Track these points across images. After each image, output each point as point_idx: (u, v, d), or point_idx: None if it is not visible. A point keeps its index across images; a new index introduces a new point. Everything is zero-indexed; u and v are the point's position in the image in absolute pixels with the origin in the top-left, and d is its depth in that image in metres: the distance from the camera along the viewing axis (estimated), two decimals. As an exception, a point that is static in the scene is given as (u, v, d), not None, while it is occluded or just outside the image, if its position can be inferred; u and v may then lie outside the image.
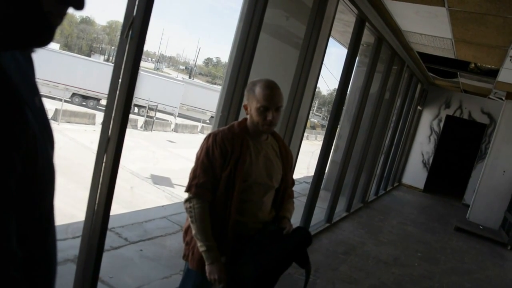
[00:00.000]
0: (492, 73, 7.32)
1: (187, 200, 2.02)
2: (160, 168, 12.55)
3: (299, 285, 3.99)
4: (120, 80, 2.30)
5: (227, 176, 1.98)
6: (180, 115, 30.15)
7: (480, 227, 8.46)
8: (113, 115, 2.35)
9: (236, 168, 1.98)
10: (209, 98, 30.81)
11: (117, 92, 2.31)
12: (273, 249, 1.91)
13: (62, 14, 0.64)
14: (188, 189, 2.01)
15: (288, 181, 2.22)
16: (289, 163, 2.21)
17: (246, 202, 2.04)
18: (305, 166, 12.88)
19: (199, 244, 1.96)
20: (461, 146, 14.81)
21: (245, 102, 2.07)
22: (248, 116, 2.07)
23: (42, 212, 0.71)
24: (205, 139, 2.06)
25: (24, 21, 0.60)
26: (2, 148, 0.56)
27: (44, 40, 0.64)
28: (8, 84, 0.59)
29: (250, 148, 2.04)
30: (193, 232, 1.99)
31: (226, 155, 1.98)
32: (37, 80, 0.76)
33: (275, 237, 1.92)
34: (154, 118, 23.71)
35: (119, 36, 2.32)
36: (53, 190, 0.74)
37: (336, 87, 5.40)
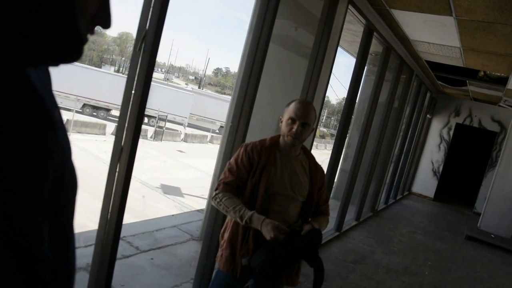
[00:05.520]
0: (502, 81, 7.30)
1: (214, 197, 2.15)
2: (170, 178, 12.60)
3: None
4: (133, 92, 2.35)
5: (252, 185, 2.13)
6: (190, 125, 30.27)
7: (492, 235, 8.38)
8: (126, 125, 2.40)
9: (261, 177, 2.13)
10: (218, 108, 30.92)
11: (130, 104, 2.37)
12: (284, 246, 2.00)
13: (91, 32, 0.69)
14: (216, 187, 2.16)
15: (314, 198, 2.29)
16: (318, 181, 2.30)
17: (268, 211, 2.13)
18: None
19: (243, 222, 2.03)
20: (471, 154, 14.73)
21: (280, 116, 2.24)
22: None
23: (64, 221, 0.75)
24: (239, 147, 2.25)
25: (62, 39, 0.64)
26: (39, 159, 0.59)
27: (75, 56, 0.68)
28: (40, 100, 0.63)
29: (277, 160, 2.19)
30: (233, 217, 2.09)
31: (253, 164, 2.14)
32: (54, 92, 0.80)
33: (290, 236, 2.01)
34: (164, 128, 23.86)
35: (129, 48, 2.40)
36: (74, 200, 0.78)
37: (345, 96, 5.43)
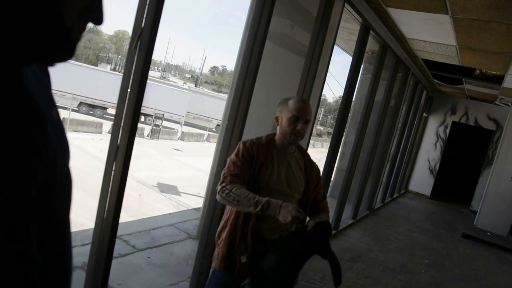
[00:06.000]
0: (498, 79, 7.32)
1: (221, 189, 2.07)
2: (166, 176, 12.59)
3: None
4: (129, 90, 2.35)
5: (251, 182, 2.13)
6: (186, 124, 30.21)
7: (488, 233, 8.42)
8: (122, 124, 2.39)
9: (259, 175, 2.13)
10: (215, 106, 30.91)
11: (126, 102, 2.37)
12: (294, 243, 2.01)
13: (83, 29, 0.67)
14: (222, 180, 2.10)
15: (311, 195, 2.29)
16: (313, 178, 2.31)
17: None
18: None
19: (258, 208, 1.96)
20: (467, 153, 14.77)
21: (277, 114, 2.22)
22: (278, 128, 2.23)
23: (59, 220, 0.75)
24: (237, 145, 2.23)
25: (47, 36, 0.63)
26: (25, 159, 0.59)
27: (65, 55, 0.67)
28: (30, 99, 0.62)
29: (273, 158, 2.20)
30: (244, 205, 2.00)
31: (252, 159, 2.14)
32: (53, 92, 0.80)
33: (297, 233, 2.01)
34: (161, 127, 23.79)
35: (125, 46, 2.38)
36: (70, 199, 0.77)
37: (342, 94, 5.43)
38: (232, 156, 2.18)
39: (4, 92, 0.58)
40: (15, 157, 0.57)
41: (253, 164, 2.14)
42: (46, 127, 0.64)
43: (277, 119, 2.22)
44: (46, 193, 0.65)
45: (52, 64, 0.69)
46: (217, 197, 2.10)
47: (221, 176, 2.14)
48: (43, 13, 0.61)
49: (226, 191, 2.04)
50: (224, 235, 2.21)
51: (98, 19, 0.68)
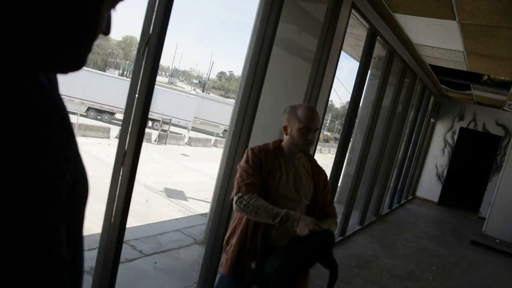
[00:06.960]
0: (506, 85, 7.28)
1: (239, 199, 2.07)
2: (173, 182, 12.61)
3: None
4: (136, 96, 2.37)
5: (261, 188, 2.13)
6: (194, 129, 30.31)
7: (497, 240, 8.33)
8: (129, 129, 2.41)
9: (268, 181, 2.14)
10: (222, 111, 30.98)
11: (134, 108, 2.38)
12: (298, 249, 2.00)
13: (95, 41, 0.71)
14: (238, 190, 2.10)
15: (319, 199, 2.29)
16: (321, 182, 2.31)
17: None
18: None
19: (277, 220, 1.98)
20: (475, 159, 14.66)
21: (285, 123, 2.23)
22: (286, 137, 2.24)
23: (75, 223, 0.76)
24: (244, 153, 2.23)
25: (75, 50, 0.67)
26: (58, 162, 0.61)
27: (81, 65, 0.70)
28: (57, 104, 0.64)
29: (281, 164, 2.21)
30: (263, 217, 2.02)
31: (262, 165, 2.15)
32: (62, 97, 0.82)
33: (302, 239, 2.01)
34: (168, 132, 23.87)
35: (134, 51, 2.41)
36: (85, 206, 0.79)
37: (349, 100, 5.43)
38: (242, 163, 2.18)
39: (37, 100, 0.60)
40: (47, 159, 0.59)
41: (262, 170, 2.15)
42: (72, 132, 0.67)
43: (285, 128, 2.22)
44: (69, 197, 0.67)
45: (66, 72, 0.71)
46: (234, 207, 2.10)
47: (235, 186, 2.13)
48: (81, 33, 0.66)
49: (244, 202, 2.04)
50: (233, 241, 2.21)
51: (107, 31, 0.73)
